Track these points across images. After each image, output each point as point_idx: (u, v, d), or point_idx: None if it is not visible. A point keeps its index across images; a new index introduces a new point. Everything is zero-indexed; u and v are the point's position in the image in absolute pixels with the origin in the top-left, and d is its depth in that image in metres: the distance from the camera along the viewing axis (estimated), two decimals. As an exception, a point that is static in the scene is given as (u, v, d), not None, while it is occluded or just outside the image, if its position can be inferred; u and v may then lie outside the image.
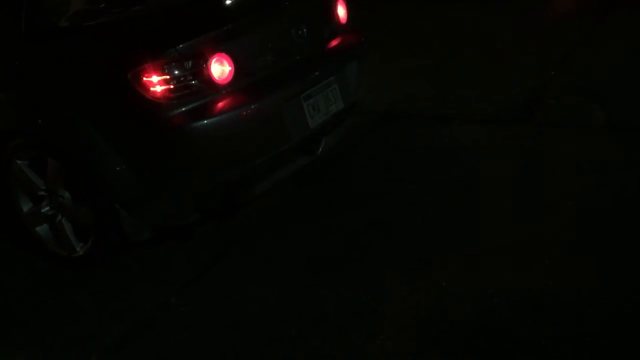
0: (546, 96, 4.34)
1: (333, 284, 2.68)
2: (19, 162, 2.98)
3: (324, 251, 2.93)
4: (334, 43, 3.34)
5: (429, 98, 4.55)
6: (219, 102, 2.72)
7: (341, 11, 3.41)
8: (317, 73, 3.10)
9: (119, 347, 2.55)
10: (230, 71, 2.75)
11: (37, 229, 3.10)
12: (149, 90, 2.61)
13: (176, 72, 2.63)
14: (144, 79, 2.60)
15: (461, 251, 2.77)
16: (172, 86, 2.63)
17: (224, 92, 2.74)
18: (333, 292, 2.63)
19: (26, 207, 3.10)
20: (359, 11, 3.65)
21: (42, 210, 3.04)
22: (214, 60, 2.69)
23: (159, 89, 2.61)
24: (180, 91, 2.64)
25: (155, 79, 2.60)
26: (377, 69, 3.71)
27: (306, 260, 2.89)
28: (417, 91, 4.70)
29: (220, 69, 2.72)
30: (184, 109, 2.65)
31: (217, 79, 2.71)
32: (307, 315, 2.52)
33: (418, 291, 2.55)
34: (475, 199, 3.17)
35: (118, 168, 2.75)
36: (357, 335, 2.38)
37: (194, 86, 2.67)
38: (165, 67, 2.61)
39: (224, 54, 2.73)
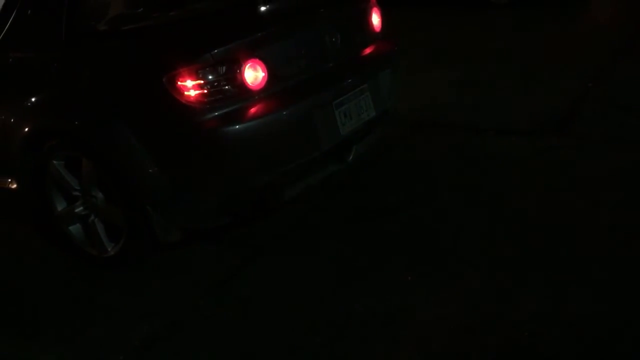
0: (582, 108, 4.27)
1: (360, 293, 2.66)
2: (55, 162, 3.04)
3: (352, 259, 2.91)
4: (367, 51, 3.34)
5: (461, 107, 4.52)
6: (252, 107, 2.74)
7: (375, 19, 3.41)
8: (349, 80, 3.10)
9: (147, 348, 2.57)
10: (263, 77, 2.77)
11: (70, 228, 3.16)
12: (183, 94, 2.64)
13: (210, 77, 2.66)
14: (179, 83, 2.64)
15: (491, 264, 2.72)
16: (206, 91, 2.65)
17: (256, 97, 2.76)
18: (359, 300, 2.61)
19: (60, 206, 3.16)
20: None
21: (76, 210, 3.09)
22: (247, 66, 2.71)
23: (193, 93, 2.64)
24: (214, 96, 2.67)
25: (189, 83, 2.63)
26: (407, 77, 3.70)
27: (333, 267, 2.87)
28: (449, 100, 4.67)
29: (253, 74, 2.74)
30: (216, 113, 2.68)
31: (250, 84, 2.73)
32: (333, 324, 2.50)
33: (446, 303, 2.52)
34: (507, 211, 3.11)
35: (150, 170, 2.79)
36: (382, 346, 2.35)
37: (228, 91, 2.69)
38: (199, 71, 2.64)
39: (257, 59, 2.75)
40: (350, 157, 3.23)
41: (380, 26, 3.44)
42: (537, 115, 4.19)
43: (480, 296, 2.53)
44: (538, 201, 3.16)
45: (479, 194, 3.29)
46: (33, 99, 3.07)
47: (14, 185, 3.33)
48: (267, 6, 2.99)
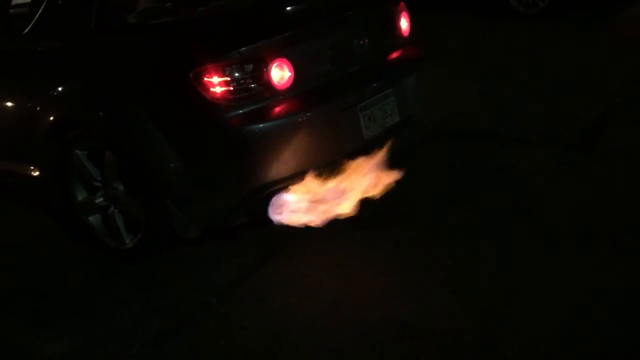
0: (609, 123, 4.21)
1: (375, 300, 2.64)
2: (78, 151, 3.05)
3: (367, 265, 2.89)
4: (394, 55, 3.32)
5: (484, 117, 4.48)
6: (277, 106, 2.73)
7: (404, 24, 3.39)
8: (375, 84, 3.08)
9: (159, 342, 2.57)
10: (289, 77, 2.76)
11: (90, 218, 3.17)
12: (208, 90, 2.64)
13: (237, 74, 2.65)
14: (205, 79, 2.63)
15: (508, 276, 2.69)
16: (231, 88, 2.65)
17: (282, 97, 2.75)
18: (375, 308, 2.59)
19: (81, 196, 3.17)
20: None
21: (96, 201, 3.10)
22: (274, 65, 2.71)
23: (218, 90, 2.64)
24: (240, 93, 2.67)
25: (215, 79, 2.63)
26: (432, 84, 3.67)
27: (349, 273, 2.85)
28: (472, 109, 4.63)
29: (280, 74, 2.73)
30: (241, 111, 2.67)
31: (276, 83, 2.72)
32: (347, 330, 2.48)
33: (463, 314, 2.48)
34: (526, 224, 3.07)
35: (172, 164, 2.79)
36: (397, 354, 2.33)
37: (253, 89, 2.69)
38: (226, 68, 2.64)
39: (284, 59, 2.74)
40: (372, 162, 3.20)
41: (409, 31, 3.42)
42: (561, 129, 4.14)
43: (497, 309, 2.49)
44: (557, 214, 3.12)
45: (498, 205, 3.25)
46: (60, 89, 3.09)
47: (37, 173, 3.36)
48: (296, 6, 2.99)
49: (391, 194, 3.51)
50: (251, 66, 2.67)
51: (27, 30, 3.24)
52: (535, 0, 7.09)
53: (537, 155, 3.83)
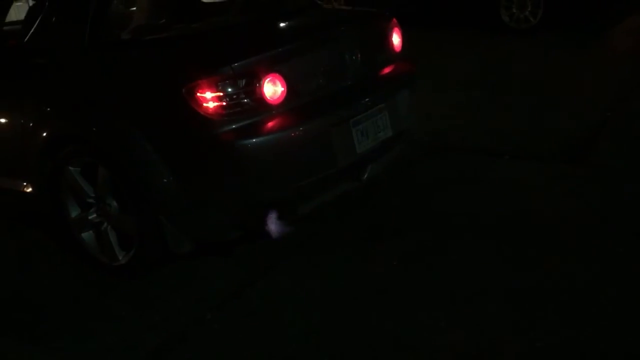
0: (600, 138, 4.23)
1: (369, 315, 2.63)
2: (71, 168, 3.05)
3: (361, 281, 2.89)
4: (386, 70, 3.34)
5: (476, 131, 4.50)
6: (270, 121, 2.75)
7: (396, 39, 3.42)
8: (367, 99, 3.10)
9: (153, 359, 2.55)
10: (282, 92, 2.77)
11: (83, 234, 3.16)
12: (201, 105, 2.65)
13: (229, 89, 2.67)
14: (198, 94, 2.64)
15: (502, 290, 2.68)
16: (224, 103, 2.66)
17: (275, 112, 2.77)
18: (368, 323, 2.58)
19: (74, 212, 3.16)
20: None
21: (89, 217, 3.09)
22: (267, 80, 2.72)
23: (211, 105, 2.65)
24: (232, 108, 2.68)
25: (208, 95, 2.64)
26: (424, 98, 3.70)
27: (342, 288, 2.85)
28: (465, 123, 4.66)
29: (272, 89, 2.74)
30: (234, 126, 2.68)
31: (269, 98, 2.74)
32: (341, 346, 2.47)
33: (456, 328, 2.48)
34: (521, 238, 3.08)
35: (165, 180, 2.79)
36: (391, 367, 2.32)
37: (246, 104, 2.70)
38: (219, 84, 2.65)
39: (277, 74, 2.76)
40: (365, 176, 3.21)
41: (401, 46, 3.45)
42: (553, 143, 4.16)
43: (490, 323, 2.49)
44: (548, 229, 3.12)
45: (493, 221, 3.25)
46: (53, 104, 3.10)
47: (29, 189, 3.35)
48: (289, 22, 3.02)
49: (385, 208, 3.54)
50: (244, 81, 2.69)
51: (21, 45, 3.24)
52: (527, 16, 7.18)
53: (529, 170, 3.84)
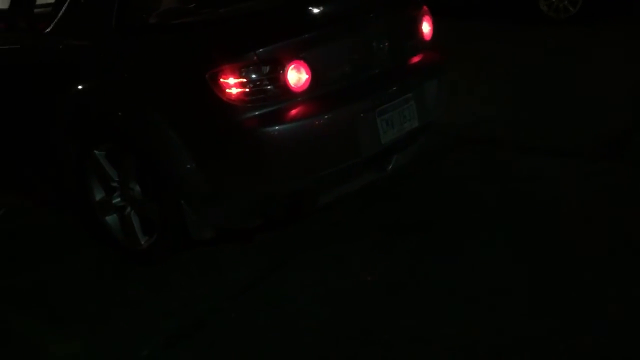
0: (637, 134, 4.08)
1: (387, 308, 2.59)
2: (96, 152, 3.06)
3: (381, 273, 2.83)
4: (415, 59, 3.26)
5: (509, 124, 4.38)
6: (293, 109, 2.70)
7: (426, 27, 3.33)
8: (394, 88, 3.03)
9: (170, 345, 2.55)
10: (306, 79, 2.72)
11: (107, 218, 3.17)
12: (224, 91, 2.62)
13: (253, 75, 2.63)
14: (221, 80, 2.61)
15: (525, 290, 2.60)
16: (247, 89, 2.63)
17: (298, 99, 2.72)
18: (386, 316, 2.54)
19: (99, 196, 3.17)
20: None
21: (113, 201, 3.11)
22: (291, 67, 2.68)
23: (234, 91, 2.62)
24: (255, 95, 2.64)
25: (232, 80, 2.61)
26: (453, 89, 3.59)
27: (360, 281, 2.80)
28: (495, 116, 4.53)
29: (296, 76, 2.70)
30: (257, 112, 2.65)
31: (292, 85, 2.69)
32: (357, 338, 2.43)
33: (474, 326, 2.41)
34: (550, 236, 2.97)
35: (188, 165, 2.78)
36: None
37: (270, 91, 2.66)
38: (242, 70, 2.62)
39: (302, 61, 2.71)
40: (390, 167, 3.16)
41: (431, 35, 3.36)
42: (588, 138, 4.01)
43: (510, 323, 2.42)
44: (582, 227, 3.02)
45: (521, 218, 3.14)
46: (79, 87, 3.11)
47: (55, 171, 3.37)
48: (317, 7, 2.96)
49: (408, 201, 3.47)
50: (268, 68, 2.65)
51: (49, 28, 3.26)
52: (567, 5, 6.96)
53: (561, 166, 3.71)
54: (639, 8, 6.83)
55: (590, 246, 2.85)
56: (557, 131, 4.20)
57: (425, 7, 3.36)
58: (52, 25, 3.25)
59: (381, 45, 3.02)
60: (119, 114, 2.96)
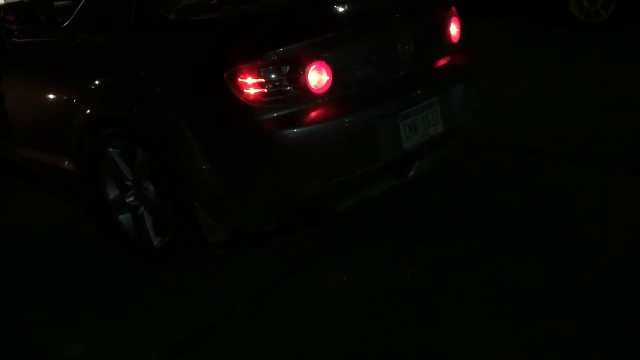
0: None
1: (401, 318, 2.49)
2: (111, 150, 3.00)
3: (396, 282, 2.73)
4: (442, 62, 3.14)
5: (535, 131, 4.23)
6: (313, 111, 2.60)
7: (454, 29, 3.21)
8: (419, 92, 2.92)
9: (179, 352, 2.47)
10: (328, 81, 2.63)
11: (120, 217, 3.12)
12: (243, 91, 2.54)
13: (273, 76, 2.54)
14: (240, 79, 2.53)
15: (547, 309, 2.46)
16: (266, 90, 2.54)
17: (319, 102, 2.62)
18: (401, 327, 2.44)
19: (113, 194, 3.12)
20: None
21: (127, 200, 3.04)
22: (312, 68, 2.58)
23: (253, 91, 2.53)
24: (274, 96, 2.55)
25: (250, 80, 2.52)
26: (481, 94, 3.46)
27: (377, 289, 2.70)
28: (522, 122, 4.39)
29: (318, 77, 2.60)
30: (275, 114, 2.55)
31: (313, 87, 2.60)
32: (372, 351, 2.34)
33: (490, 347, 2.29)
34: (575, 251, 2.83)
35: (203, 166, 2.69)
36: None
37: (289, 92, 2.57)
38: (262, 69, 2.53)
39: (323, 62, 2.61)
40: (412, 173, 3.04)
41: (459, 37, 3.24)
42: (617, 148, 3.86)
43: (529, 343, 2.30)
44: (608, 240, 2.89)
45: (545, 231, 3.02)
46: (96, 83, 3.04)
47: (70, 167, 3.33)
48: (341, 7, 2.85)
49: (429, 208, 3.36)
50: (288, 68, 2.56)
51: (68, 22, 3.21)
52: (599, 10, 6.76)
53: (588, 175, 3.57)
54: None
55: (618, 258, 2.72)
56: (584, 139, 4.04)
57: (453, 9, 3.24)
58: (70, 20, 3.20)
59: (406, 47, 2.91)
60: (135, 111, 2.89)
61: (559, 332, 2.33)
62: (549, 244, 2.91)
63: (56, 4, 3.73)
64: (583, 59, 5.82)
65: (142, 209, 3.01)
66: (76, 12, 3.17)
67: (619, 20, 6.63)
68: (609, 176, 3.53)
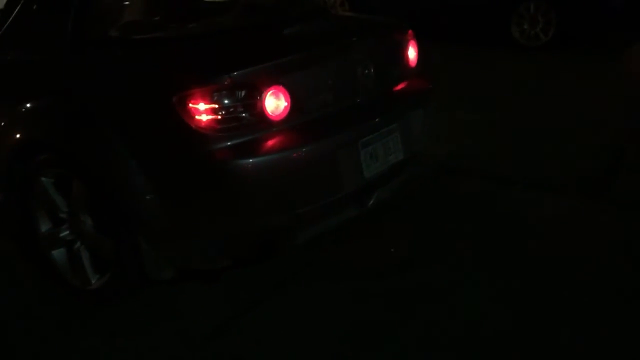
0: (617, 169, 3.95)
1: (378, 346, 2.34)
2: (43, 179, 2.72)
3: (360, 321, 2.57)
4: (400, 86, 3.04)
5: (488, 156, 4.20)
6: (269, 139, 2.43)
7: (412, 53, 3.12)
8: (379, 118, 2.79)
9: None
10: (285, 107, 2.46)
11: (53, 252, 2.82)
12: (193, 118, 2.33)
13: (226, 101, 2.35)
14: (190, 105, 2.32)
15: (515, 347, 2.37)
16: (219, 117, 2.34)
17: (275, 129, 2.45)
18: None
19: (45, 227, 2.83)
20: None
21: (61, 234, 2.76)
22: (269, 93, 2.41)
23: (204, 118, 2.33)
24: (228, 123, 2.36)
25: (202, 106, 2.32)
26: (434, 118, 3.41)
27: (340, 329, 2.54)
28: (476, 146, 4.36)
29: (275, 103, 2.43)
30: (229, 143, 2.36)
31: (270, 113, 2.42)
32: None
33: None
34: (533, 279, 2.78)
35: (147, 197, 2.46)
36: None
37: (244, 119, 2.38)
38: (215, 94, 2.33)
39: (280, 87, 2.44)
40: (371, 202, 2.89)
41: (416, 61, 3.15)
42: (568, 172, 3.86)
43: None
44: (562, 267, 2.85)
45: (504, 262, 2.94)
46: (27, 105, 2.76)
47: (-1, 197, 3.01)
48: (297, 29, 2.71)
49: (387, 238, 3.23)
50: (243, 93, 2.37)
51: (-5, 38, 2.92)
52: (538, 33, 6.91)
53: (542, 200, 3.54)
54: (613, 38, 6.83)
55: (575, 286, 2.67)
56: (536, 164, 4.04)
57: (410, 31, 3.15)
58: (0, 34, 2.90)
59: (365, 71, 2.79)
60: (72, 138, 2.62)
61: None
62: (507, 272, 2.84)
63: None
64: (526, 81, 5.90)
65: (78, 243, 2.73)
66: (5, 26, 2.88)
67: (559, 42, 6.79)
68: (561, 201, 3.52)
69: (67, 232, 2.75)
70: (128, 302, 2.77)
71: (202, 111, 2.32)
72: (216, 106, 2.33)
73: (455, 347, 2.38)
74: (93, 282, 2.72)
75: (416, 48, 3.15)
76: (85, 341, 2.56)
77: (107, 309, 2.75)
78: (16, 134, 2.77)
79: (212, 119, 2.33)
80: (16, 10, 2.88)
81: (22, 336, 2.63)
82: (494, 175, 3.89)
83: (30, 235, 2.89)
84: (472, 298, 2.66)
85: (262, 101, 2.39)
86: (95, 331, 2.62)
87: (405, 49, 3.08)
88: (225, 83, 2.34)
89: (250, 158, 2.36)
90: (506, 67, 6.43)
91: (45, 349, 2.54)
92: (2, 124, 2.84)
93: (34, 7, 2.86)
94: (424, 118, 3.06)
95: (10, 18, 2.90)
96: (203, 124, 2.33)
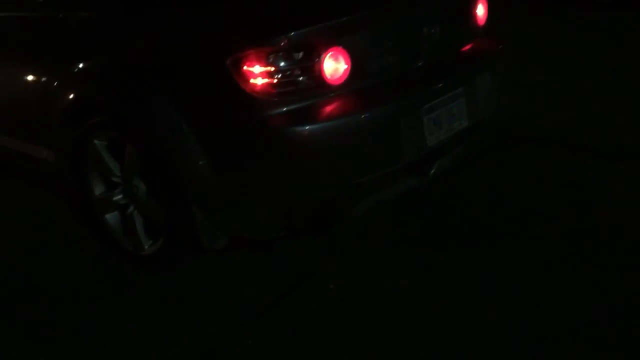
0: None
1: (422, 334, 2.24)
2: (96, 141, 2.66)
3: (415, 292, 2.46)
4: (467, 48, 2.83)
5: (560, 122, 3.94)
6: (328, 105, 2.29)
7: (481, 10, 2.89)
8: (444, 83, 2.60)
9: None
10: (345, 70, 2.30)
11: (107, 216, 2.79)
12: (248, 81, 2.21)
13: (283, 63, 2.21)
14: (244, 67, 2.20)
15: (582, 326, 2.22)
16: (275, 80, 2.21)
17: (334, 94, 2.31)
18: (413, 347, 2.18)
19: (98, 190, 2.79)
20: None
21: (114, 198, 2.72)
22: (328, 55, 2.26)
23: (259, 81, 2.20)
24: (284, 87, 2.23)
25: (257, 69, 2.19)
26: (504, 82, 3.18)
27: (395, 300, 2.43)
28: (545, 111, 4.09)
29: (334, 66, 2.28)
30: (285, 108, 2.23)
31: (329, 77, 2.28)
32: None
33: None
34: (599, 250, 2.61)
35: (200, 163, 2.37)
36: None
37: (301, 83, 2.25)
38: (271, 56, 2.20)
39: (340, 48, 2.29)
40: (433, 171, 2.73)
41: (485, 19, 2.92)
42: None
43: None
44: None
45: (573, 233, 2.77)
46: (79, 65, 2.69)
47: (50, 158, 2.99)
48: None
49: (449, 208, 3.08)
50: (301, 55, 2.23)
51: (47, -4, 2.85)
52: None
53: (617, 171, 3.31)
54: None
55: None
56: (611, 131, 3.78)
57: (480, -14, 2.90)
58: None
59: (431, 31, 2.59)
60: (124, 100, 2.55)
61: None
62: (573, 241, 2.69)
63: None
64: (605, 40, 5.47)
65: (131, 208, 2.69)
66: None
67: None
68: (631, 170, 3.29)
69: (120, 196, 2.70)
70: (180, 269, 2.72)
71: (257, 74, 2.20)
72: (272, 69, 2.20)
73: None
74: (146, 247, 2.68)
75: (486, 5, 2.92)
76: (138, 305, 2.53)
77: (160, 274, 2.71)
78: (69, 94, 2.72)
79: (267, 83, 2.21)
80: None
81: (75, 295, 2.63)
82: (564, 143, 3.65)
83: (84, 199, 2.87)
84: (528, 271, 2.52)
85: (320, 64, 2.24)
86: (149, 297, 2.58)
87: (474, 7, 2.86)
88: (282, 44, 2.20)
89: (307, 125, 2.23)
90: (584, 24, 5.98)
91: (96, 310, 2.53)
92: (55, 84, 2.78)
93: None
94: (492, 82, 2.85)
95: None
96: (258, 88, 2.21)
